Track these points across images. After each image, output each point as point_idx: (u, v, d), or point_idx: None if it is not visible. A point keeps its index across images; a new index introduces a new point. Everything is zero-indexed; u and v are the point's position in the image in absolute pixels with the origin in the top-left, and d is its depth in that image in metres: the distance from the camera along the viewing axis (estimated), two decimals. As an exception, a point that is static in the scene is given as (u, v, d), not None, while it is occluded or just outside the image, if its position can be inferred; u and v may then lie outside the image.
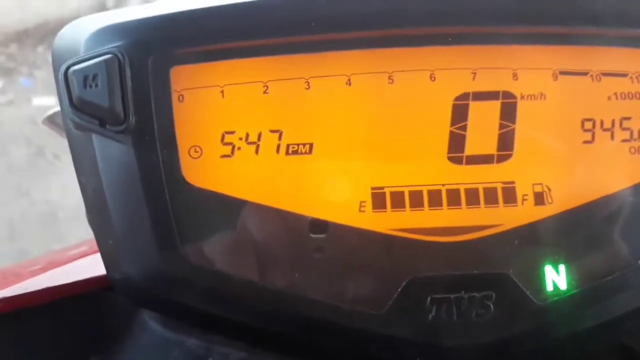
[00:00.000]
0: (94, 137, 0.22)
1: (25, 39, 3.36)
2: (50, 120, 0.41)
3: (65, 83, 0.22)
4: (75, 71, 0.21)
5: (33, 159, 2.50)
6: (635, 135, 0.23)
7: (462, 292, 0.21)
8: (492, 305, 0.21)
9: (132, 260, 0.22)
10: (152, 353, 0.28)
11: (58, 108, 0.42)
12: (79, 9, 3.50)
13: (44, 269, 0.30)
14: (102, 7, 3.59)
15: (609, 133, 0.23)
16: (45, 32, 3.38)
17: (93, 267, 0.29)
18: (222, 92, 0.22)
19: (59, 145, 2.55)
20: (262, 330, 0.22)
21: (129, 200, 0.21)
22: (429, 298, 0.21)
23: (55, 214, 2.21)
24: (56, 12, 3.49)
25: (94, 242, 0.27)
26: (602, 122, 0.23)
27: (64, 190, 2.27)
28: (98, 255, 0.26)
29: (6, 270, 0.34)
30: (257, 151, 0.22)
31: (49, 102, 2.86)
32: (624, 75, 0.23)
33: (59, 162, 2.44)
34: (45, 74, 3.03)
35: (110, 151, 0.21)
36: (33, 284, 0.27)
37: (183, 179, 0.22)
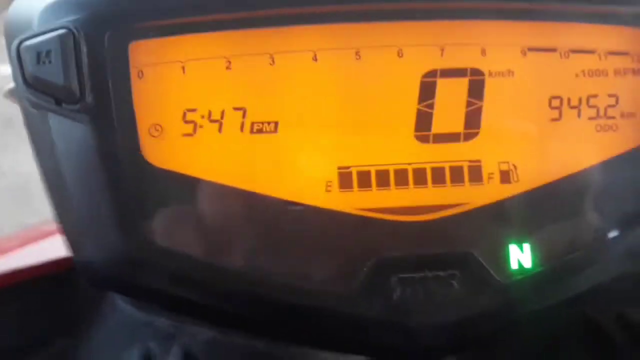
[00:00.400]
0: (50, 116, 0.21)
1: None
2: (12, 93, 0.40)
3: (18, 59, 0.21)
4: (28, 47, 0.20)
5: (1, 130, 2.43)
6: (602, 112, 0.23)
7: (427, 271, 0.21)
8: (456, 284, 0.21)
9: (94, 245, 0.21)
10: (121, 333, 0.28)
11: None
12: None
13: (12, 249, 0.29)
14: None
15: (576, 110, 0.23)
16: (9, -3, 3.26)
17: (60, 247, 0.28)
18: (184, 68, 0.21)
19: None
20: (228, 312, 0.22)
21: (88, 181, 0.21)
22: (394, 278, 0.21)
23: (27, 186, 2.17)
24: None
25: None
26: (569, 100, 0.23)
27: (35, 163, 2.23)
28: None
29: None
30: (220, 129, 0.22)
31: (16, 71, 2.78)
32: (592, 52, 0.23)
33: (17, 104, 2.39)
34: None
35: (67, 130, 0.21)
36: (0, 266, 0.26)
37: (143, 158, 0.21)
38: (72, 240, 0.22)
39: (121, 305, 0.28)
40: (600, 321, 0.27)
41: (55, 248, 0.29)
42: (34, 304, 0.28)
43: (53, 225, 0.36)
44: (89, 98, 0.20)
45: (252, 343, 0.26)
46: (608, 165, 0.23)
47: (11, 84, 0.42)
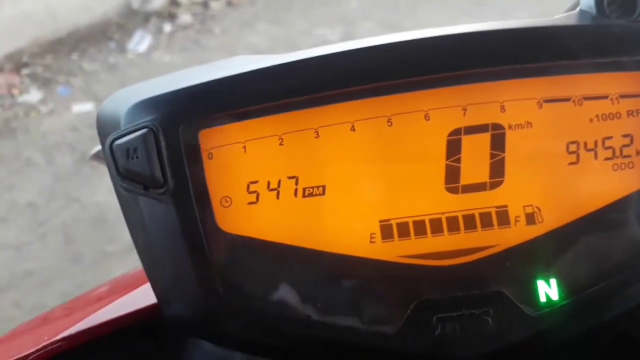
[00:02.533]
0: (140, 198, 0.25)
1: (59, 48, 3.46)
2: (97, 156, 0.45)
3: (111, 155, 0.25)
4: (118, 145, 0.25)
5: (78, 165, 2.60)
6: (617, 152, 0.25)
7: (463, 309, 0.24)
8: (490, 320, 0.24)
9: (181, 300, 0.26)
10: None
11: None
12: (107, 14, 3.58)
13: (101, 303, 0.34)
14: (128, 10, 3.65)
15: (592, 153, 0.25)
16: (77, 39, 3.47)
17: (146, 296, 0.33)
18: (244, 147, 0.25)
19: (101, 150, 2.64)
20: (293, 352, 0.25)
21: (173, 249, 0.25)
22: (434, 317, 0.24)
23: (104, 216, 2.30)
24: (86, 19, 3.56)
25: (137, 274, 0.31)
26: (585, 144, 0.25)
27: (110, 193, 2.36)
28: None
29: (67, 306, 0.39)
30: (278, 196, 0.26)
31: (88, 108, 2.95)
32: (605, 97, 0.25)
33: (102, 166, 2.53)
34: (81, 81, 3.13)
35: (154, 209, 0.25)
36: (94, 319, 0.31)
37: (217, 227, 0.25)
38: (162, 298, 0.27)
39: (203, 344, 0.33)
40: (635, 335, 0.28)
41: (140, 298, 0.34)
42: (127, 349, 0.33)
43: (127, 281, 0.41)
44: (170, 182, 0.25)
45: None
46: (627, 201, 0.25)
47: (94, 150, 0.48)
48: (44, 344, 0.29)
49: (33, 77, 3.24)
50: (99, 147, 0.46)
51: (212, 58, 2.99)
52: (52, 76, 3.24)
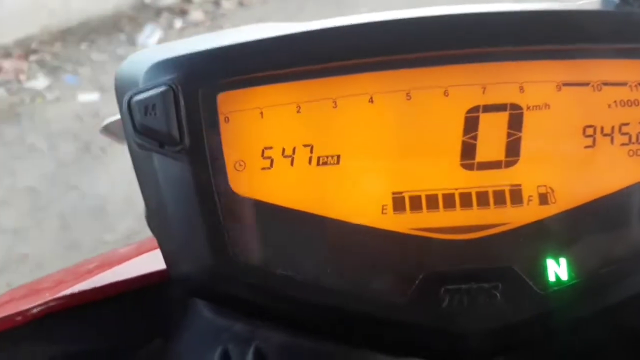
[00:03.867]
0: (154, 156, 0.25)
1: (68, 37, 3.47)
2: (107, 129, 0.45)
3: (129, 111, 0.25)
4: (137, 101, 0.25)
5: (81, 154, 2.61)
6: (634, 139, 0.25)
7: (472, 283, 0.24)
8: (498, 295, 0.24)
9: (191, 261, 0.26)
10: (205, 336, 0.32)
11: (112, 118, 0.46)
12: (119, 6, 3.59)
13: (109, 266, 0.34)
14: (140, 3, 3.66)
15: (609, 138, 0.25)
16: (88, 30, 3.48)
17: (152, 263, 0.33)
18: (262, 113, 0.26)
19: (105, 140, 2.65)
20: (299, 318, 0.25)
21: (186, 209, 0.25)
22: (442, 289, 0.24)
23: (104, 206, 2.31)
24: (98, 10, 3.58)
25: (145, 242, 0.31)
26: (602, 128, 0.25)
27: (112, 184, 2.37)
28: (153, 253, 0.30)
29: (77, 267, 0.39)
30: (292, 163, 0.26)
31: (94, 98, 2.96)
32: (624, 84, 0.25)
33: (105, 157, 2.53)
34: (89, 71, 3.14)
35: (169, 168, 0.25)
36: (103, 279, 0.31)
37: (230, 189, 0.25)
38: (170, 257, 0.27)
39: (205, 313, 0.33)
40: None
41: (147, 264, 0.34)
42: (133, 311, 0.33)
43: (134, 248, 0.41)
44: (186, 141, 0.25)
45: (318, 346, 0.29)
46: (640, 187, 0.25)
47: (105, 122, 0.48)
48: (40, 301, 0.29)
49: (41, 64, 3.25)
50: (111, 119, 0.46)
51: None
52: (60, 64, 3.26)
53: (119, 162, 2.48)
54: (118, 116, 0.29)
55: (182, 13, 3.62)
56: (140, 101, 0.25)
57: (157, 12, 3.62)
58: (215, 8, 3.70)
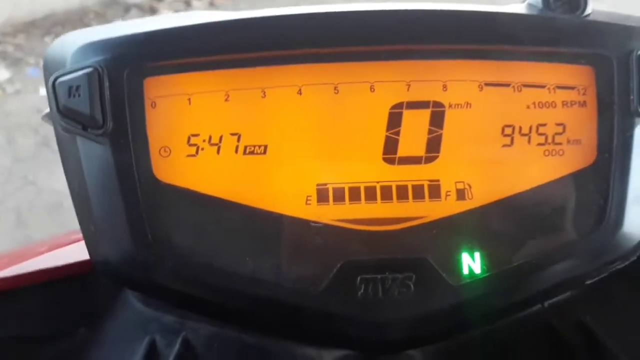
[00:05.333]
0: (78, 138, 0.25)
1: (32, 29, 3.39)
2: (49, 117, 0.45)
3: (53, 92, 0.25)
4: (61, 82, 0.25)
5: (39, 148, 2.54)
6: (550, 139, 0.26)
7: (387, 273, 0.24)
8: (412, 285, 0.24)
9: (110, 246, 0.25)
10: (132, 326, 0.32)
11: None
12: (86, 1, 3.53)
13: (41, 253, 0.34)
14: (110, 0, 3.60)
15: (526, 138, 0.26)
16: (53, 23, 3.41)
17: (81, 252, 0.33)
18: (189, 99, 0.26)
19: (66, 135, 2.60)
20: (220, 305, 0.25)
21: (107, 193, 0.25)
22: (358, 278, 0.24)
23: (60, 202, 2.25)
24: (63, 4, 3.51)
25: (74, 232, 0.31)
26: (520, 128, 0.26)
27: (69, 180, 2.32)
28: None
29: (9, 253, 0.38)
30: (218, 151, 0.26)
31: (56, 93, 2.90)
32: (543, 86, 0.26)
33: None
34: (52, 65, 3.08)
35: (92, 151, 0.25)
36: (29, 267, 0.31)
37: (153, 176, 0.25)
38: (92, 243, 0.26)
39: (132, 303, 0.32)
40: (559, 327, 0.29)
41: (71, 255, 0.34)
42: (58, 300, 0.33)
43: (69, 237, 0.41)
44: (110, 125, 0.25)
45: (245, 337, 0.29)
46: (554, 185, 0.26)
47: (46, 110, 0.48)
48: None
49: (3, 56, 3.16)
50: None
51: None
52: (23, 56, 3.17)
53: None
54: None
55: (152, 11, 3.57)
56: (65, 82, 0.25)
57: (126, 8, 3.57)
58: (185, 7, 3.67)
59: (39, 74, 3.11)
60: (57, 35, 3.31)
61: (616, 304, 0.31)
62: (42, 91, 3.09)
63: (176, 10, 3.60)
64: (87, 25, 3.57)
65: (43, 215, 2.19)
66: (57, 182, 2.32)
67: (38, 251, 0.35)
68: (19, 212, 2.19)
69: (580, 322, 0.30)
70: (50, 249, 0.34)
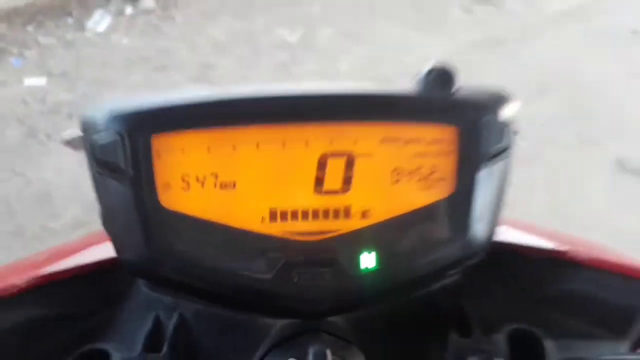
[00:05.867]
0: (108, 179, 0.37)
1: (14, 18, 3.39)
2: (69, 142, 0.56)
3: (91, 148, 0.37)
4: (96, 140, 0.37)
5: (26, 139, 2.58)
6: (425, 177, 0.39)
7: (313, 268, 0.37)
8: (328, 275, 0.37)
9: (130, 251, 0.38)
10: (143, 306, 0.45)
11: (71, 133, 0.57)
12: (66, -10, 3.51)
13: (73, 252, 0.46)
14: (88, -12, 3.58)
15: (409, 176, 0.39)
16: (35, 11, 3.41)
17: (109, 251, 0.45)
18: (183, 150, 0.38)
19: (51, 126, 2.64)
20: (206, 292, 0.38)
21: (128, 215, 0.37)
22: (294, 271, 0.37)
23: (49, 192, 2.32)
24: (45, -8, 3.49)
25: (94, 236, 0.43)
26: (406, 170, 0.39)
27: (57, 170, 2.38)
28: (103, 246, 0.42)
29: (37, 255, 0.50)
30: (202, 186, 0.38)
31: (40, 83, 2.93)
32: (420, 140, 0.39)
33: (50, 143, 2.53)
34: (35, 55, 3.10)
35: (117, 188, 0.37)
36: (71, 262, 0.43)
37: (159, 204, 0.38)
38: (119, 248, 0.39)
39: (143, 289, 0.45)
40: (440, 305, 0.43)
41: (105, 252, 0.46)
42: (90, 287, 0.45)
43: (86, 242, 0.53)
44: (130, 171, 0.37)
45: (222, 311, 0.42)
46: (428, 207, 0.39)
47: (66, 136, 0.59)
48: (25, 278, 0.41)
49: (-15, 45, 3.16)
50: (70, 133, 0.57)
51: (171, 46, 3.01)
52: (6, 46, 3.18)
53: (64, 148, 2.51)
54: (76, 131, 0.40)
55: (133, 0, 3.60)
56: (98, 141, 0.37)
57: (107, -3, 3.58)
58: (164, -5, 3.68)
59: (22, 63, 3.12)
60: (39, 24, 3.34)
61: (479, 290, 0.45)
62: (27, 81, 3.09)
63: (157, -1, 3.62)
64: (68, 14, 3.54)
65: (32, 205, 2.27)
66: (45, 172, 2.38)
67: (76, 248, 0.47)
68: (8, 203, 2.26)
69: (455, 302, 0.43)
70: (86, 247, 0.47)
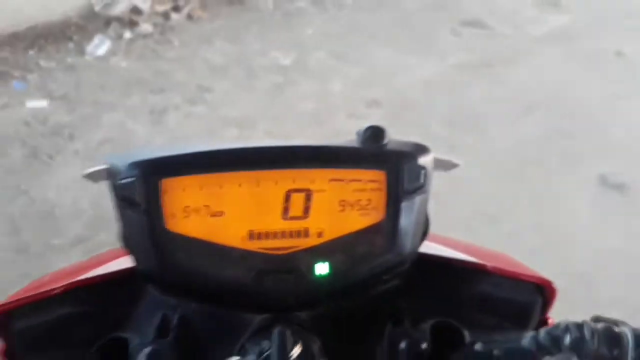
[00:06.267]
0: (127, 210, 0.51)
1: (16, 42, 3.50)
2: (90, 176, 0.69)
3: (114, 186, 0.51)
4: (119, 184, 0.50)
5: (29, 159, 2.69)
6: (363, 207, 0.52)
7: (280, 274, 0.51)
8: (292, 279, 0.51)
9: (144, 263, 0.51)
10: (153, 306, 0.58)
11: (92, 169, 0.71)
12: (67, 13, 3.64)
13: (99, 264, 0.60)
14: (90, 12, 3.72)
15: (351, 206, 0.52)
16: (35, 35, 3.52)
17: (121, 264, 0.59)
18: (184, 189, 0.51)
19: (53, 147, 2.76)
20: (202, 293, 0.52)
21: (141, 237, 0.51)
22: (267, 276, 0.51)
23: (52, 211, 2.43)
24: (45, 16, 3.61)
25: (114, 252, 0.57)
26: (349, 202, 0.52)
27: (59, 189, 2.49)
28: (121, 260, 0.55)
29: (70, 267, 0.64)
30: (198, 215, 0.51)
31: (42, 105, 3.04)
32: (359, 180, 0.53)
33: (53, 162, 2.65)
34: (37, 78, 3.22)
35: (134, 216, 0.50)
36: (98, 271, 0.57)
37: (165, 228, 0.51)
38: (136, 260, 0.52)
39: (152, 293, 0.58)
40: (382, 306, 0.56)
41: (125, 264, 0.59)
42: (113, 290, 0.59)
43: (103, 257, 0.66)
44: (143, 204, 0.50)
45: (214, 309, 0.55)
46: (365, 229, 0.52)
47: (88, 171, 0.72)
48: (63, 282, 0.54)
49: (-13, 69, 3.26)
50: (92, 169, 0.71)
51: (169, 69, 3.14)
52: (8, 69, 3.29)
53: (66, 168, 2.61)
54: (96, 167, 0.54)
55: (131, 24, 3.71)
56: (120, 184, 0.51)
57: (107, 22, 3.70)
58: (164, 21, 3.81)
59: (24, 86, 3.23)
60: (40, 48, 3.47)
61: (411, 292, 0.58)
62: (29, 104, 3.20)
63: (155, 23, 3.75)
64: (69, 38, 3.64)
65: (36, 222, 2.37)
66: (49, 191, 2.50)
67: (100, 261, 0.61)
68: (12, 220, 2.37)
69: (392, 302, 0.57)
70: (108, 261, 0.61)
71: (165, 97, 3.07)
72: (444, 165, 0.58)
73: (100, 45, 3.52)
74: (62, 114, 2.94)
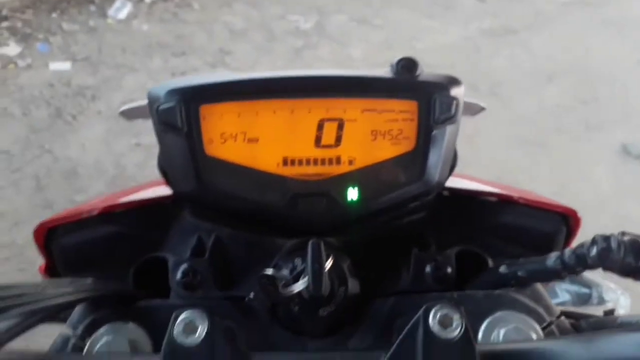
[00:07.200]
0: (168, 133, 0.53)
1: (39, 5, 3.52)
2: (125, 113, 0.71)
3: (157, 113, 0.53)
4: (160, 109, 0.52)
5: (53, 119, 2.74)
6: (395, 136, 0.54)
7: (313, 198, 0.53)
8: (324, 203, 0.53)
9: (183, 184, 0.54)
10: (189, 229, 0.60)
11: (127, 106, 0.73)
12: (89, -24, 3.63)
13: (132, 192, 0.62)
14: (111, -25, 3.69)
15: (383, 136, 0.54)
16: (58, -1, 3.54)
17: (157, 191, 0.61)
18: (221, 115, 0.53)
19: (76, 107, 2.80)
20: (237, 216, 0.54)
21: (182, 159, 0.53)
22: (300, 199, 0.53)
23: (75, 169, 2.48)
24: (67, -21, 3.61)
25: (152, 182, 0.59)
26: (381, 131, 0.54)
27: (82, 148, 2.54)
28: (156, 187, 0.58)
29: (106, 195, 0.67)
30: (235, 140, 0.53)
31: (65, 67, 3.07)
32: (392, 111, 0.54)
33: (76, 122, 2.69)
34: (60, 40, 3.25)
35: (175, 139, 0.53)
36: (139, 195, 0.59)
37: (204, 152, 0.53)
38: (173, 182, 0.54)
39: (187, 217, 0.61)
40: (409, 232, 0.58)
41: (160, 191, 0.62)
42: (151, 213, 0.61)
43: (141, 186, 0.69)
44: (184, 127, 0.52)
45: (246, 234, 0.58)
46: (397, 158, 0.54)
47: (123, 108, 0.74)
48: (103, 204, 0.57)
49: (12, 31, 3.30)
50: (127, 106, 0.73)
51: (189, 32, 3.14)
52: (32, 32, 3.32)
53: (89, 128, 2.66)
54: (133, 104, 0.56)
55: (158, -12, 3.70)
56: (161, 109, 0.52)
57: (129, -16, 3.69)
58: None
59: (48, 49, 3.26)
60: (63, 11, 3.49)
61: (437, 223, 0.60)
62: (52, 66, 3.23)
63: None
64: (91, 2, 3.64)
65: (60, 181, 2.43)
66: (72, 150, 2.54)
67: (139, 188, 0.64)
68: (37, 179, 2.42)
69: (419, 230, 0.59)
70: (146, 188, 0.63)
71: (186, 60, 3.09)
72: (470, 108, 0.59)
73: (121, 9, 3.53)
74: (84, 76, 2.98)
